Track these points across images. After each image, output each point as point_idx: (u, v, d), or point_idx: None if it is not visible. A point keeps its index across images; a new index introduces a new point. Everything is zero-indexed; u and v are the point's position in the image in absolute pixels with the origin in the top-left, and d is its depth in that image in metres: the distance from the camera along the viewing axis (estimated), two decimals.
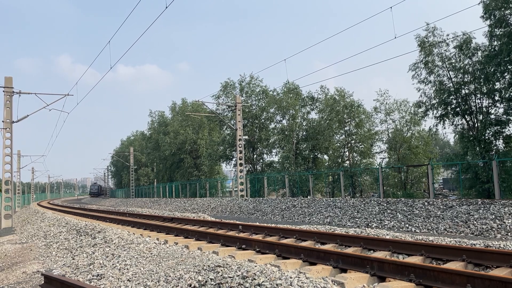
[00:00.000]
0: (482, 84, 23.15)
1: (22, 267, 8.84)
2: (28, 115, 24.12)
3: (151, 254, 8.04)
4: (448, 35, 24.84)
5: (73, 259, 8.88)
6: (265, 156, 42.24)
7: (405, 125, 34.67)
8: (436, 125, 25.88)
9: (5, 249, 12.14)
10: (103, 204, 49.20)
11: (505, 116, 22.79)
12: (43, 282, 6.45)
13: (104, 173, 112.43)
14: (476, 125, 24.00)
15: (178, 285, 5.58)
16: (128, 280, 6.35)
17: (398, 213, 14.85)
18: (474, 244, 8.42)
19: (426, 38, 25.39)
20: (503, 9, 21.54)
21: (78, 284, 5.33)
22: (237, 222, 14.86)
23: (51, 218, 20.55)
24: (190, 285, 5.48)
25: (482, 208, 13.20)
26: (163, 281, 5.88)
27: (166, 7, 12.67)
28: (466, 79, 24.03)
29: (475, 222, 12.36)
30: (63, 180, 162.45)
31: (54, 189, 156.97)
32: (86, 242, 10.82)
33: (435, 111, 25.53)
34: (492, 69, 22.04)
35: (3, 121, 22.53)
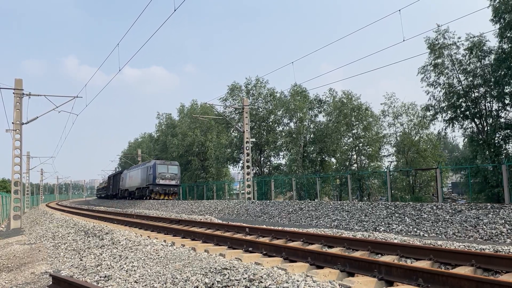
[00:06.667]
0: (492, 87, 22.95)
1: (31, 268, 8.90)
2: (37, 117, 24.33)
3: (158, 256, 8.05)
4: (459, 38, 24.69)
5: (81, 260, 8.92)
6: (272, 158, 42.26)
7: (413, 128, 34.49)
8: (445, 129, 25.72)
9: (14, 249, 12.23)
10: (110, 206, 49.48)
11: None
12: (51, 283, 6.49)
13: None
14: (485, 129, 23.78)
15: (185, 287, 5.58)
16: (135, 281, 6.37)
17: (406, 217, 14.73)
18: (483, 249, 8.32)
19: (436, 40, 25.24)
20: None
21: (86, 285, 5.35)
22: (244, 224, 14.84)
23: (60, 219, 20.68)
24: (197, 287, 5.47)
25: (491, 213, 13.05)
26: (170, 283, 5.89)
27: (175, 10, 12.74)
28: (476, 82, 23.84)
29: (484, 226, 12.23)
30: (72, 181, 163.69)
31: (63, 190, 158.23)
32: (94, 243, 10.87)
33: (444, 114, 25.36)
34: (502, 72, 21.84)
35: (12, 123, 22.74)
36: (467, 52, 24.11)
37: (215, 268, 6.04)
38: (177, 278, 6.00)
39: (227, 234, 12.66)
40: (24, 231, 19.72)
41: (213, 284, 5.44)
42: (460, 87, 24.44)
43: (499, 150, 23.01)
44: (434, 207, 14.82)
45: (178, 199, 43.14)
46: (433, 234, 12.79)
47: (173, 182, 41.91)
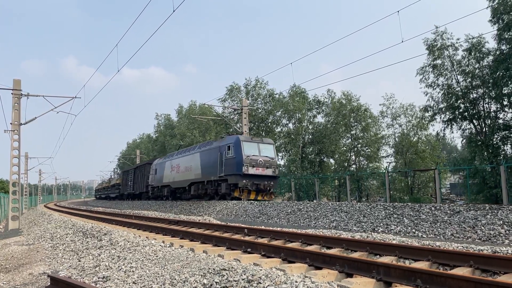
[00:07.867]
0: (490, 88, 23.00)
1: (29, 269, 8.88)
2: (36, 118, 24.30)
3: (157, 256, 8.04)
4: (458, 39, 24.80)
5: (79, 261, 8.91)
6: None
7: (411, 129, 34.55)
8: (444, 130, 25.79)
9: (12, 250, 12.21)
10: (109, 206, 49.50)
11: None
12: (49, 283, 6.47)
13: (111, 176, 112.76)
14: (484, 130, 23.84)
15: None
16: (133, 282, 6.36)
17: (404, 218, 14.74)
18: (481, 250, 8.33)
19: (435, 42, 25.30)
20: (511, 13, 21.42)
21: (84, 286, 5.34)
22: (243, 225, 14.83)
23: (58, 220, 20.65)
24: None
25: (489, 214, 13.06)
26: (169, 284, 5.88)
27: (174, 11, 12.74)
28: (474, 83, 23.90)
29: (482, 227, 12.24)
30: (70, 182, 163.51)
31: (61, 191, 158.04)
32: (92, 244, 10.85)
33: (442, 116, 25.43)
34: (501, 73, 21.90)
35: (11, 123, 22.70)
36: (466, 53, 24.18)
37: (214, 269, 6.03)
38: (175, 279, 5.99)
39: (226, 235, 12.65)
40: (22, 231, 19.68)
41: (211, 285, 5.44)
42: (459, 88, 24.49)
43: (497, 151, 23.07)
44: (433, 208, 14.83)
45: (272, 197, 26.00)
46: (431, 235, 12.80)
47: (269, 172, 24.26)
